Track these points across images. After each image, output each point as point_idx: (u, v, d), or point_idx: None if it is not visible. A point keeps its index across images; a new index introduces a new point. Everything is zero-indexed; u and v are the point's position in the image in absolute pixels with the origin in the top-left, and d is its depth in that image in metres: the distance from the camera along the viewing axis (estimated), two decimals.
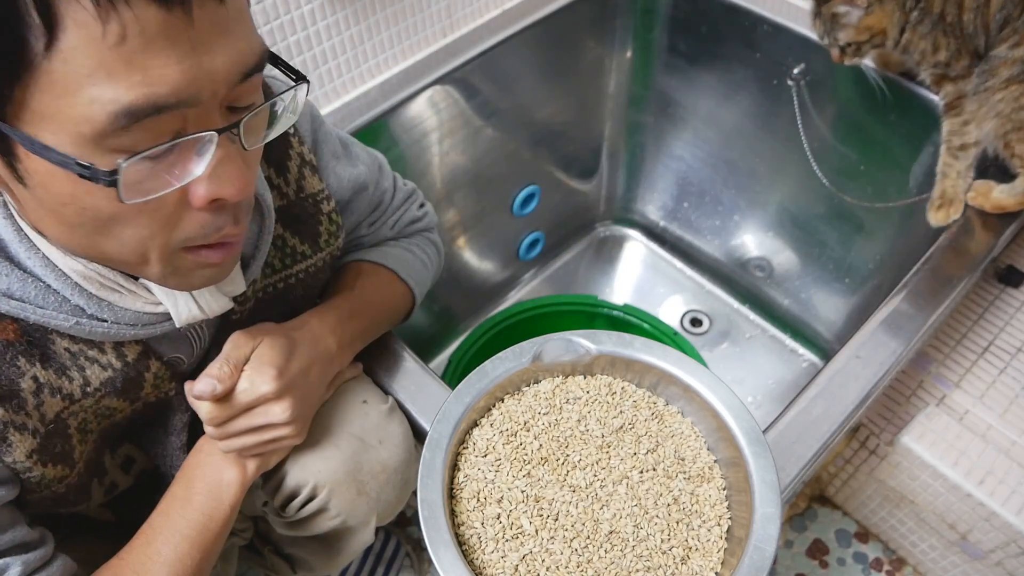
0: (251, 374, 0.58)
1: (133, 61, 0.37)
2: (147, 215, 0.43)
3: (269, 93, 0.50)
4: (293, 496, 0.68)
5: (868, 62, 1.03)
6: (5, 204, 0.47)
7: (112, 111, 0.37)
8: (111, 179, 0.39)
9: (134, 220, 0.43)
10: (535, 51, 1.18)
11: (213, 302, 0.57)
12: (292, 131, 0.64)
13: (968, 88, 0.87)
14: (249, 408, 0.59)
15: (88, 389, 0.55)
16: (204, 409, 0.59)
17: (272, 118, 0.48)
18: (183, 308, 0.55)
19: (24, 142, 0.39)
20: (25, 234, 0.48)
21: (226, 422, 0.59)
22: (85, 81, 0.37)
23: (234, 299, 0.61)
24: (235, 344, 0.60)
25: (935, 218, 0.91)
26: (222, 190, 0.44)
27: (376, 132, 1.04)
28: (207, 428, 0.60)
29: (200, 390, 0.57)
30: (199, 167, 0.42)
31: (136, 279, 0.53)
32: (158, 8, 0.37)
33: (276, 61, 0.48)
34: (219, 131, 0.42)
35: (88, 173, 0.39)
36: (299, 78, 0.48)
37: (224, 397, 0.58)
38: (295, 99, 0.49)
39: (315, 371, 0.64)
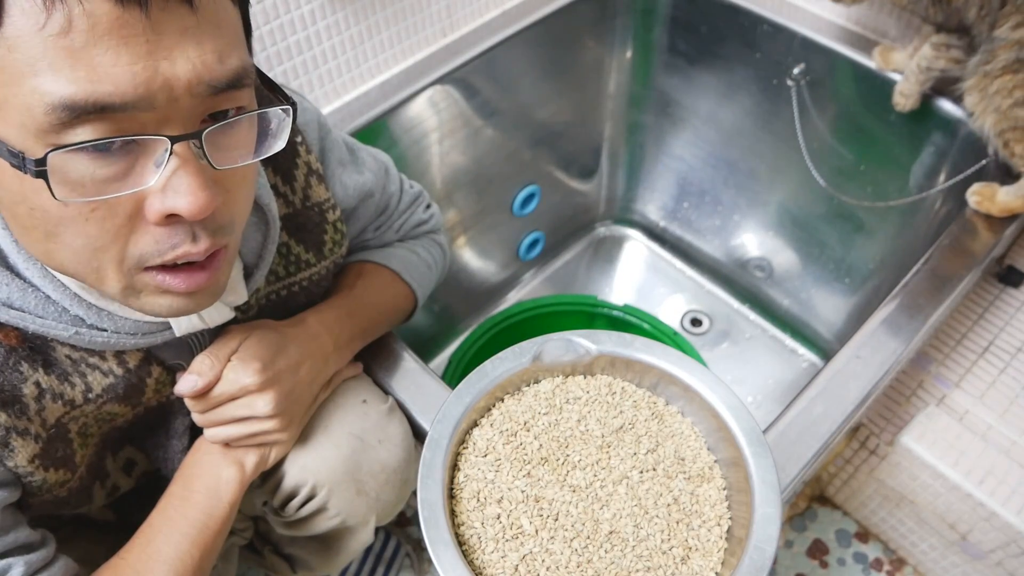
0: (236, 366, 0.59)
1: (78, 55, 0.36)
2: (96, 224, 0.41)
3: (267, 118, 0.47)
4: (292, 495, 0.68)
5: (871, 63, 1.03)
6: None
7: (49, 103, 0.36)
8: (39, 169, 0.37)
9: (82, 228, 0.41)
10: (535, 51, 1.18)
11: (214, 312, 0.57)
12: (299, 139, 0.64)
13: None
14: (232, 399, 0.59)
15: (90, 395, 0.55)
16: (189, 401, 0.59)
17: (264, 139, 0.47)
18: (183, 319, 0.55)
19: None
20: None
21: (210, 410, 0.60)
22: (28, 71, 0.36)
23: (236, 307, 0.61)
24: (224, 338, 0.60)
25: None
26: (176, 204, 0.41)
27: (376, 132, 1.03)
28: (194, 416, 0.61)
29: (181, 387, 0.58)
30: (152, 177, 0.40)
31: None
32: (111, 3, 0.35)
33: (270, 86, 0.47)
34: (174, 139, 0.39)
35: (16, 161, 0.38)
36: (288, 105, 0.46)
37: (210, 389, 0.59)
38: (281, 125, 0.46)
39: (306, 368, 0.64)
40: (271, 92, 0.48)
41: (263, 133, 0.47)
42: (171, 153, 0.40)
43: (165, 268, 0.45)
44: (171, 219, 0.42)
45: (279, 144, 0.47)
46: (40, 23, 0.35)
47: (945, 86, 1.00)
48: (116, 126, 0.38)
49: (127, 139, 0.39)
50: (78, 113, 0.36)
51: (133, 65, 0.37)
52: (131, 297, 0.47)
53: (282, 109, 0.46)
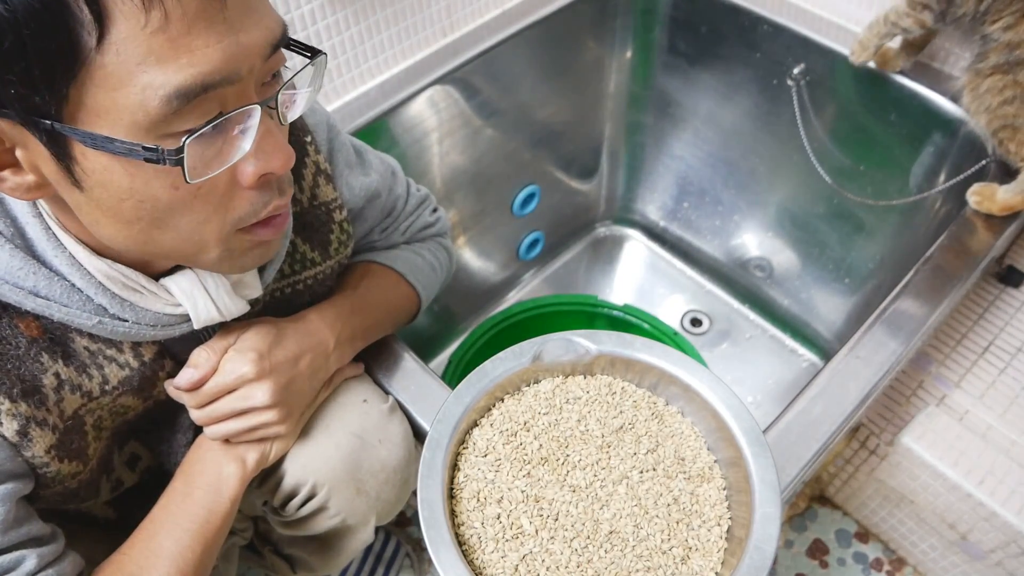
0: (233, 357, 0.59)
1: (178, 44, 0.38)
2: (201, 200, 0.45)
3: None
4: (292, 495, 0.68)
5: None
6: (34, 203, 0.48)
7: (164, 95, 0.39)
8: (178, 158, 0.40)
9: (189, 207, 0.45)
10: (535, 51, 1.18)
11: (231, 304, 0.57)
12: (309, 139, 0.65)
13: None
14: (230, 391, 0.60)
15: (106, 387, 0.56)
16: (186, 396, 0.60)
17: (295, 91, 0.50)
18: (202, 310, 0.55)
19: (86, 139, 0.40)
20: (53, 233, 0.49)
21: (209, 404, 0.60)
22: (136, 70, 0.38)
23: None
24: (221, 333, 0.61)
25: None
26: (269, 163, 0.46)
27: (376, 132, 1.04)
28: (192, 414, 0.61)
29: (179, 380, 0.59)
30: (246, 142, 0.44)
31: (157, 280, 0.54)
32: None
33: (289, 43, 0.49)
34: (260, 104, 0.43)
35: (155, 155, 0.40)
36: (315, 53, 0.49)
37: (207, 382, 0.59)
38: (316, 73, 0.50)
39: (306, 361, 0.64)
40: (290, 47, 0.50)
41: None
42: (258, 119, 0.44)
43: (256, 223, 0.49)
44: (263, 179, 0.47)
45: (315, 94, 0.50)
46: (142, 23, 0.37)
47: (937, 81, 1.00)
48: (211, 105, 0.41)
49: (232, 113, 0.42)
50: (189, 98, 0.39)
51: (220, 42, 0.40)
52: (225, 261, 0.50)
53: (312, 64, 0.49)
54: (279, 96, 0.45)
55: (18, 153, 0.42)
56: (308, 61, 0.49)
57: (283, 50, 0.47)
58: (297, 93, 0.49)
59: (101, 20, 0.36)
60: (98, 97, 0.38)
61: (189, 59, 0.39)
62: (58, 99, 0.38)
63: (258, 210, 0.48)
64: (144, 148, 0.40)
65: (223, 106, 0.42)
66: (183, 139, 0.40)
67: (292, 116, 0.48)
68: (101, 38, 0.37)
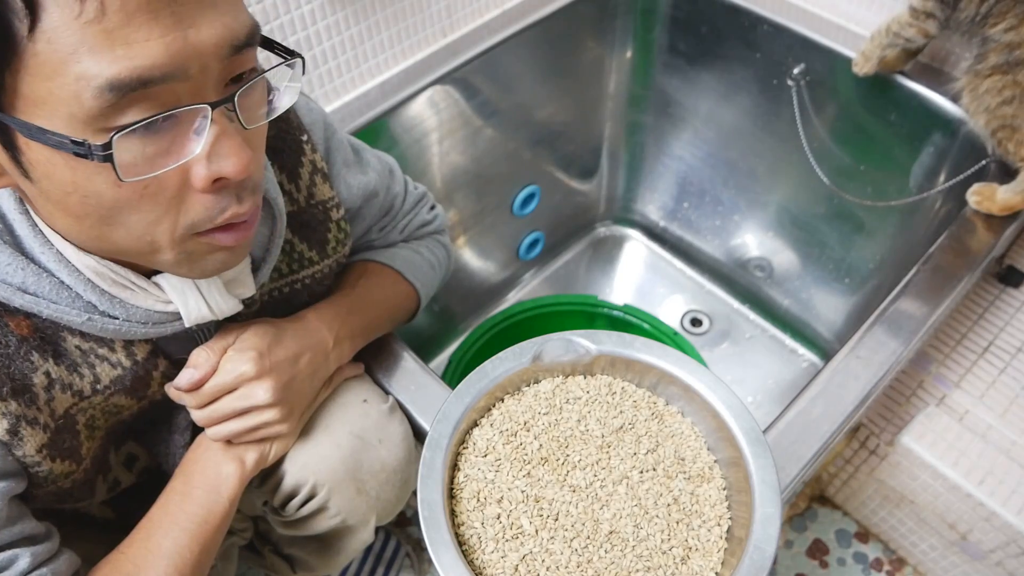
0: (233, 356, 0.59)
1: (114, 35, 0.37)
2: (149, 199, 0.43)
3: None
4: (292, 495, 0.68)
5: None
6: (21, 200, 0.48)
7: (97, 86, 0.37)
8: (105, 154, 0.39)
9: (136, 205, 0.43)
10: (535, 51, 1.18)
11: (223, 303, 0.57)
12: (305, 138, 0.64)
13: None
14: (231, 390, 0.60)
15: (98, 387, 0.56)
16: (187, 396, 0.60)
17: (272, 96, 0.48)
18: (193, 308, 0.55)
19: (21, 128, 0.39)
20: (40, 230, 0.48)
21: (210, 404, 0.60)
22: (69, 59, 0.37)
23: (241, 301, 0.61)
24: (221, 333, 0.61)
25: None
26: (222, 168, 0.43)
27: (376, 132, 1.04)
28: (193, 414, 0.61)
29: (180, 381, 0.59)
30: (197, 145, 0.42)
31: (148, 277, 0.54)
32: None
33: (269, 43, 0.48)
34: (213, 105, 0.41)
35: (82, 150, 0.39)
36: (292, 55, 0.47)
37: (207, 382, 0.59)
38: (294, 76, 0.48)
39: (306, 360, 0.64)
40: (270, 48, 0.49)
41: (270, 91, 0.49)
42: (211, 120, 0.42)
43: (214, 229, 0.47)
44: (217, 183, 0.44)
45: (291, 99, 0.48)
46: (76, 12, 0.36)
47: (937, 81, 1.00)
48: (159, 102, 0.40)
49: (173, 111, 0.40)
50: (124, 92, 0.38)
51: (164, 37, 0.38)
52: (183, 265, 0.49)
53: (288, 65, 0.47)
54: (237, 99, 0.43)
55: None
56: (282, 62, 0.47)
57: (271, 53, 0.46)
58: (274, 94, 0.47)
59: (32, 7, 0.36)
60: (34, 86, 0.38)
61: (126, 52, 0.37)
62: None
63: (213, 216, 0.46)
64: (72, 141, 0.39)
65: (175, 102, 0.40)
66: (112, 134, 0.39)
67: (258, 121, 0.46)
68: (33, 26, 0.36)
